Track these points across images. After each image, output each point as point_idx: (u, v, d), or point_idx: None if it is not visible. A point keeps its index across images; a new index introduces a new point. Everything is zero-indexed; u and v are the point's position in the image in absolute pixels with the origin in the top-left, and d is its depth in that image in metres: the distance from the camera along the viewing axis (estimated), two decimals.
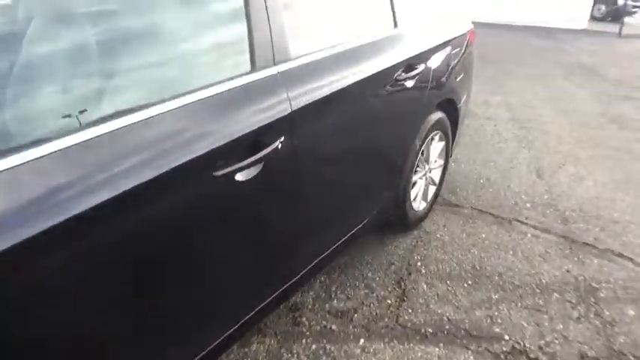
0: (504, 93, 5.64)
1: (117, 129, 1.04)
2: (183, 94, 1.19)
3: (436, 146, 2.64)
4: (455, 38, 2.55)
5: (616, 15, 13.48)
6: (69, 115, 1.02)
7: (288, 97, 1.43)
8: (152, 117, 1.11)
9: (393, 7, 2.10)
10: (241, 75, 1.35)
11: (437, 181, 2.78)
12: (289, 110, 1.42)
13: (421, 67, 2.12)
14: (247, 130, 1.30)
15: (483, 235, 2.71)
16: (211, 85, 1.26)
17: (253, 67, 1.38)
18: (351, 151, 1.83)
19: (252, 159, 1.30)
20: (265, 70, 1.40)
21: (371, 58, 1.85)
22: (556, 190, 3.27)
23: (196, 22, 1.34)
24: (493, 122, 4.56)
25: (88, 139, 0.99)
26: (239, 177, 1.29)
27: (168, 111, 1.14)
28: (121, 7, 1.19)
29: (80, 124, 1.01)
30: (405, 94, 2.07)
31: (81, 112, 1.03)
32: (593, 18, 13.14)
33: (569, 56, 8.45)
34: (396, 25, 2.10)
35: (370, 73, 1.79)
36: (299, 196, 1.60)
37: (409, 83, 2.05)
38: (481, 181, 3.34)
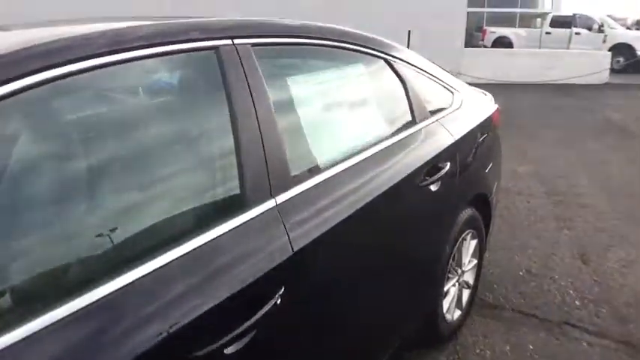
0: (532, 161, 5.33)
1: None
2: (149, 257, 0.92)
3: (468, 247, 2.32)
4: (481, 124, 2.30)
5: (635, 66, 13.27)
6: None
7: (288, 236, 1.15)
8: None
9: (410, 102, 1.86)
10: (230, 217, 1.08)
11: (472, 283, 2.43)
12: (290, 253, 1.15)
13: (446, 166, 1.84)
14: (237, 289, 1.02)
15: (531, 347, 2.31)
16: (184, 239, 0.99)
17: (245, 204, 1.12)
18: (369, 281, 1.52)
19: (243, 327, 1.01)
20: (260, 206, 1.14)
21: (388, 167, 1.59)
22: (606, 279, 2.88)
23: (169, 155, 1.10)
24: (526, 198, 4.22)
25: None
26: (230, 350, 1.00)
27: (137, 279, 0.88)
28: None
29: None
30: (430, 200, 1.79)
31: None
32: (612, 71, 12.93)
33: (594, 114, 8.16)
34: (414, 120, 1.86)
35: (387, 187, 1.52)
36: (306, 345, 1.29)
37: (434, 187, 1.77)
38: (520, 273, 2.97)
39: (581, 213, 3.87)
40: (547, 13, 17.33)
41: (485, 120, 2.39)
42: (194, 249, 0.99)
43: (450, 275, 2.20)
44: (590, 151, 5.73)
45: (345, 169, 1.41)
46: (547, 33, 15.51)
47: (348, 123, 1.58)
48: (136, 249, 0.93)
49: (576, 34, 15.08)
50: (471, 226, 2.24)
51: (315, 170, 1.33)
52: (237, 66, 1.18)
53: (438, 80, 2.14)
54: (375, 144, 1.58)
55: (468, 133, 2.14)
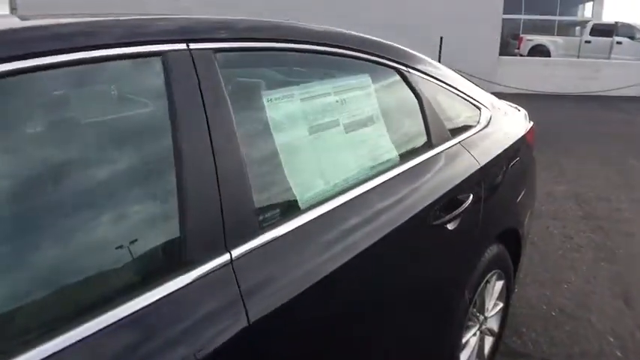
0: (570, 180, 4.90)
1: None
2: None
3: (493, 289, 1.99)
4: (512, 146, 1.97)
5: None
6: None
7: (243, 302, 0.87)
8: None
9: (425, 121, 1.55)
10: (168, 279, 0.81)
11: (496, 329, 2.10)
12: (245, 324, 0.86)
13: (468, 199, 1.53)
14: None
15: None
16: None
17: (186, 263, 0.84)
18: (362, 349, 1.22)
19: None
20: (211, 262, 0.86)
21: (392, 204, 1.30)
22: None
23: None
24: (561, 223, 3.83)
25: None
26: None
27: None
28: None
29: None
30: (446, 241, 1.48)
31: None
32: None
33: (636, 128, 7.61)
34: (430, 143, 1.55)
35: (390, 229, 1.23)
36: None
37: (451, 225, 1.46)
38: (553, 313, 2.60)
39: (624, 243, 3.46)
40: (587, 21, 16.56)
41: (518, 140, 2.06)
42: (119, 320, 0.72)
43: (470, 324, 1.88)
44: (633, 171, 5.26)
45: (335, 209, 1.12)
46: (587, 42, 14.76)
47: (343, 149, 1.28)
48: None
49: (618, 43, 14.31)
50: (497, 266, 1.91)
51: (292, 211, 1.04)
52: (189, 76, 0.90)
53: (462, 94, 1.83)
54: (377, 174, 1.29)
55: (497, 157, 1.81)
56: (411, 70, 1.57)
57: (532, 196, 2.30)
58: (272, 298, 0.91)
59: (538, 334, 2.42)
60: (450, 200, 1.49)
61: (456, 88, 1.80)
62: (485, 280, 1.85)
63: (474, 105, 1.90)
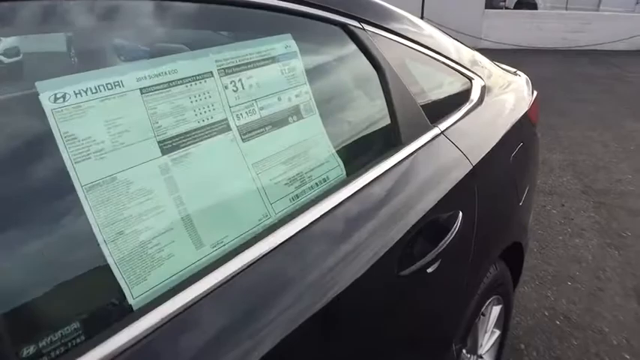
0: (566, 147, 4.42)
1: None
2: None
3: (489, 319, 1.51)
4: (514, 127, 1.45)
5: None
6: None
7: None
8: None
9: (391, 108, 1.01)
10: None
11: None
12: None
13: (456, 221, 1.01)
14: None
15: None
16: None
17: None
18: None
19: None
20: None
21: (335, 252, 0.77)
22: None
23: None
24: (559, 199, 3.36)
25: None
26: None
27: None
28: None
29: None
30: (426, 291, 0.97)
31: None
32: None
33: (630, 86, 7.12)
34: (399, 141, 1.02)
35: (319, 308, 0.71)
36: None
37: (431, 268, 0.95)
38: (557, 322, 2.15)
39: (630, 223, 3.01)
40: None
41: (521, 119, 1.53)
42: None
43: None
44: (631, 133, 4.80)
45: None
46: None
47: (237, 176, 0.73)
48: None
49: None
50: (494, 293, 1.43)
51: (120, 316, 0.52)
52: None
53: (447, 61, 1.28)
54: (302, 210, 0.76)
55: (495, 147, 1.29)
56: (367, 28, 1.01)
57: (533, 185, 1.80)
58: None
59: (540, 353, 1.97)
60: (427, 230, 0.97)
61: (438, 53, 1.25)
62: (481, 312, 1.37)
63: (464, 75, 1.35)
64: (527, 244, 1.61)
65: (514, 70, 1.90)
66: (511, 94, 1.59)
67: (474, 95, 1.36)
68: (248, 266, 0.67)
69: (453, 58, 1.31)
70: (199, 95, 0.70)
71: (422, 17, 10.38)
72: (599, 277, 2.47)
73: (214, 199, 0.69)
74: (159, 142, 0.65)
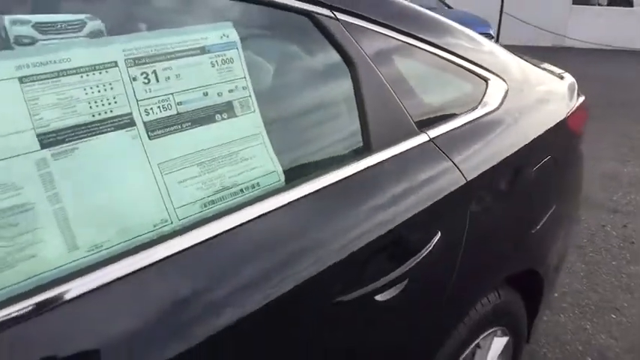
0: None
1: None
2: None
3: (489, 351, 1.35)
4: (539, 139, 1.26)
5: None
6: None
7: None
8: None
9: (361, 107, 0.90)
10: None
11: None
12: None
13: (428, 244, 0.88)
14: None
15: None
16: None
17: None
18: None
19: None
20: None
21: (254, 264, 0.69)
22: None
23: None
24: (622, 219, 3.01)
25: None
26: None
27: None
28: None
29: None
30: (376, 318, 0.86)
31: None
32: None
33: None
34: (368, 147, 0.90)
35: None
36: None
37: (385, 296, 0.83)
38: (589, 359, 1.91)
39: None
40: None
41: (552, 129, 1.34)
42: None
43: None
44: None
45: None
46: None
47: (139, 175, 0.65)
48: None
49: None
50: (495, 324, 1.27)
51: None
52: None
53: (452, 58, 1.13)
54: (220, 215, 0.68)
55: (505, 162, 1.12)
56: (341, 18, 0.90)
57: (570, 208, 1.58)
58: None
59: None
60: (384, 251, 0.84)
61: (442, 49, 1.10)
62: (474, 345, 1.22)
63: (478, 75, 1.19)
64: (549, 273, 1.41)
65: (559, 71, 1.68)
66: (545, 99, 1.39)
67: (490, 99, 1.20)
68: (128, 275, 0.59)
69: (463, 55, 1.15)
70: (97, 87, 0.63)
71: (501, 11, 9.81)
72: None
73: (100, 198, 0.62)
74: (38, 135, 0.59)
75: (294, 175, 0.80)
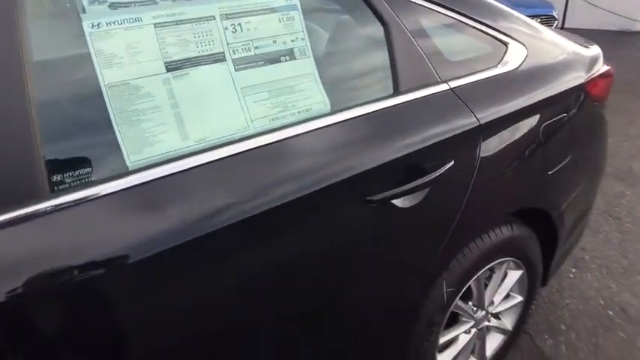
0: None
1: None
2: None
3: (503, 280, 1.57)
4: (553, 97, 1.46)
5: None
6: None
7: None
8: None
9: (393, 59, 1.15)
10: None
11: (509, 327, 1.68)
12: None
13: (443, 167, 1.13)
14: None
15: None
16: None
17: None
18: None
19: None
20: None
21: (306, 164, 0.96)
22: None
23: None
24: None
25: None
26: None
27: None
28: None
29: None
30: (397, 224, 1.12)
31: None
32: None
33: None
34: (397, 89, 1.15)
35: (286, 200, 0.91)
36: None
37: (402, 202, 1.09)
38: (610, 312, 2.07)
39: None
40: None
41: (568, 91, 1.52)
42: None
43: (463, 319, 1.51)
44: None
45: (189, 170, 0.84)
46: None
47: (227, 94, 0.95)
48: None
49: None
50: (506, 254, 1.49)
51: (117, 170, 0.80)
52: None
53: (472, 23, 1.35)
54: (281, 128, 0.96)
55: (519, 112, 1.34)
56: None
57: (589, 168, 1.75)
58: None
59: (580, 337, 1.94)
60: (408, 168, 1.10)
61: (464, 15, 1.33)
62: (486, 269, 1.45)
63: (498, 39, 1.40)
64: (563, 219, 1.60)
65: (586, 41, 1.83)
66: (564, 65, 1.57)
67: (509, 60, 1.40)
68: (220, 159, 0.88)
69: (486, 22, 1.36)
70: (201, 33, 0.92)
71: None
72: None
73: (204, 108, 0.91)
74: (165, 63, 0.89)
75: (336, 106, 1.06)
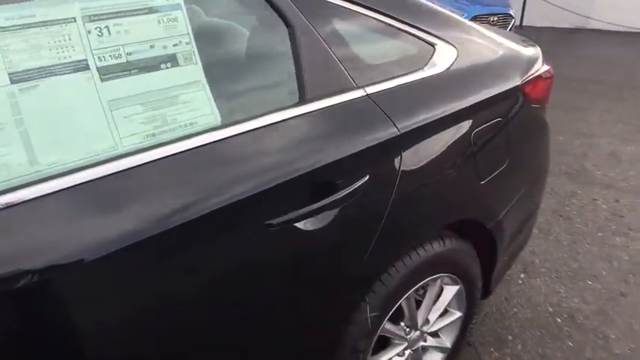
0: None
1: None
2: None
3: (437, 297, 1.48)
4: (486, 101, 1.37)
5: None
6: None
7: None
8: None
9: (298, 64, 1.03)
10: None
11: (448, 344, 1.60)
12: None
13: (355, 184, 1.02)
14: None
15: None
16: None
17: None
18: None
19: None
20: None
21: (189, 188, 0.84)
22: None
23: None
24: (616, 195, 3.06)
25: None
26: None
27: None
28: None
29: None
30: (304, 241, 1.01)
31: None
32: None
33: None
34: (302, 98, 1.03)
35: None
36: None
37: (307, 225, 0.98)
38: (558, 320, 2.02)
39: None
40: None
41: (503, 93, 1.44)
42: None
43: (395, 341, 1.41)
44: None
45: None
46: None
47: (92, 108, 0.81)
48: None
49: None
50: (442, 270, 1.39)
51: None
52: None
53: (394, 23, 1.24)
54: (158, 145, 0.84)
55: (445, 119, 1.24)
56: None
57: (531, 172, 1.69)
58: None
59: (526, 348, 1.88)
60: (313, 186, 0.99)
61: (384, 14, 1.22)
62: (418, 287, 1.35)
63: (423, 40, 1.31)
64: (498, 227, 1.52)
65: (528, 42, 1.77)
66: (498, 66, 1.49)
67: (437, 62, 1.31)
68: (79, 184, 0.75)
69: (409, 21, 1.26)
70: (58, 38, 0.79)
71: None
72: (627, 280, 2.25)
73: (58, 126, 0.78)
74: (9, 73, 0.75)
75: (232, 117, 0.94)
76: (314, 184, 0.99)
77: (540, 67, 1.65)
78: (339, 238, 1.06)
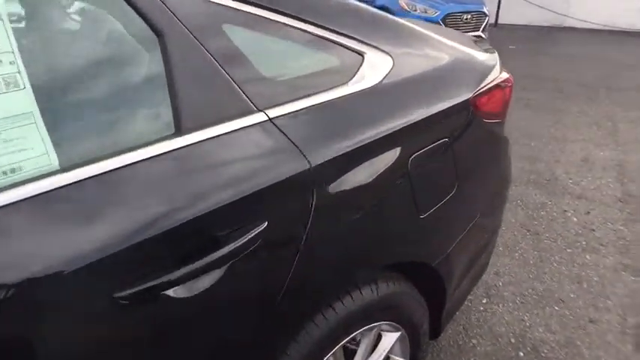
0: (620, 144, 3.83)
1: None
2: None
3: (379, 345, 1.27)
4: (428, 120, 1.17)
5: None
6: None
7: None
8: None
9: (172, 85, 0.81)
10: None
11: None
12: None
13: (248, 234, 0.80)
14: None
15: None
16: None
17: None
18: None
19: None
20: None
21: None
22: None
23: None
24: (588, 205, 2.89)
25: None
26: None
27: None
28: None
29: None
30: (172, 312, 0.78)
31: None
32: None
33: None
34: (178, 128, 0.81)
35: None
36: None
37: (176, 291, 0.75)
38: (521, 354, 1.84)
39: None
40: None
41: (452, 109, 1.23)
42: None
43: None
44: None
45: None
46: None
47: None
48: None
49: None
50: (378, 318, 1.18)
51: None
52: None
53: (309, 28, 1.02)
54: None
55: (372, 145, 1.03)
56: None
57: (485, 198, 1.49)
58: None
59: None
60: (186, 242, 0.76)
61: (297, 18, 1.00)
62: (347, 341, 1.14)
63: (348, 48, 1.09)
64: (446, 264, 1.31)
65: (483, 46, 1.57)
66: (445, 76, 1.29)
67: (366, 75, 1.10)
68: None
69: (328, 26, 1.04)
70: None
71: None
72: (597, 305, 2.08)
73: None
74: None
75: (76, 157, 0.71)
76: (187, 242, 0.76)
77: (497, 76, 1.45)
78: (230, 299, 0.84)
